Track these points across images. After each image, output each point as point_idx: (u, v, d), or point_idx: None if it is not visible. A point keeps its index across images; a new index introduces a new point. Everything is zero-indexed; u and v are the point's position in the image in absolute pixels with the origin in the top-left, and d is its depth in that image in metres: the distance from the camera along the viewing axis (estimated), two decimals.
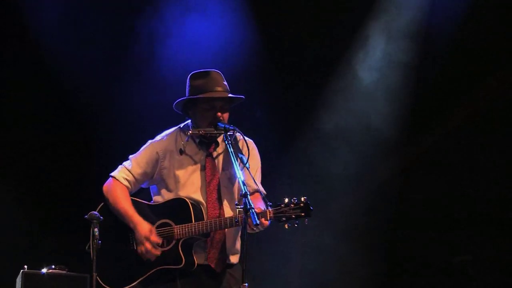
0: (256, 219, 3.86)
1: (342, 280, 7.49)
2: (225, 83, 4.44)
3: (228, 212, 4.38)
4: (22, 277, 6.05)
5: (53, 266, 6.20)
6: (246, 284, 3.83)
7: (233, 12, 7.18)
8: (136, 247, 4.35)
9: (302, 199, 4.12)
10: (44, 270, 6.14)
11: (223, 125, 4.33)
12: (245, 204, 3.90)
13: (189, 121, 4.52)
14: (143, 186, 4.58)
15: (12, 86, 7.23)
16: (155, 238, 4.31)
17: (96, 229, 4.18)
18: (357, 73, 7.40)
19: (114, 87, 7.21)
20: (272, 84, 7.40)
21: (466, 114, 7.48)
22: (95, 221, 4.23)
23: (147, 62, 7.26)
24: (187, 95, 4.46)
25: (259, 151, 4.57)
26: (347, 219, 7.47)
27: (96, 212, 4.29)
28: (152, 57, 7.25)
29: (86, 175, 7.24)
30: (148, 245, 4.30)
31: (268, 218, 4.10)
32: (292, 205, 4.11)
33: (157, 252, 4.30)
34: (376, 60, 7.36)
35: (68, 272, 6.24)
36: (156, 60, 7.21)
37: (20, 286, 6.02)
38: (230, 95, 4.40)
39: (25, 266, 6.11)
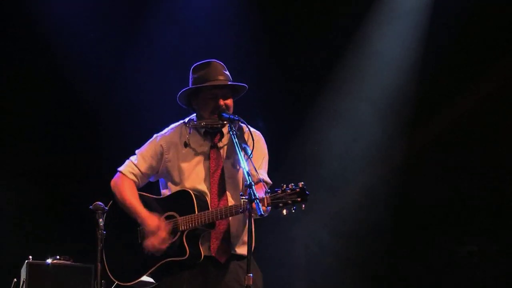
0: (261, 209, 3.84)
1: (346, 275, 7.52)
2: (227, 72, 4.44)
3: (231, 202, 4.36)
4: (27, 267, 6.06)
5: (57, 257, 6.22)
6: (251, 274, 3.81)
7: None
8: (143, 241, 4.34)
9: (300, 184, 4.08)
10: (49, 261, 6.16)
11: (228, 116, 4.32)
12: (249, 194, 3.88)
13: (194, 115, 4.51)
14: (151, 180, 4.58)
15: (18, 75, 7.24)
16: (163, 233, 4.29)
17: (101, 220, 4.18)
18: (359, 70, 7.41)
19: (122, 80, 7.21)
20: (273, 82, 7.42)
21: (472, 105, 7.48)
22: (99, 211, 4.24)
23: (155, 55, 7.25)
24: (189, 86, 4.46)
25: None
26: (350, 215, 7.49)
27: (100, 203, 4.29)
28: (161, 48, 7.25)
29: (91, 166, 7.25)
30: (154, 240, 4.28)
31: (266, 204, 4.09)
32: (288, 191, 4.06)
33: (163, 247, 4.27)
34: (381, 52, 7.35)
35: (73, 263, 6.25)
36: (165, 53, 7.21)
37: (25, 276, 6.04)
38: (230, 83, 4.39)
39: (30, 257, 6.13)
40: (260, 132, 4.57)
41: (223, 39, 7.11)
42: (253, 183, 3.92)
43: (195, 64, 4.49)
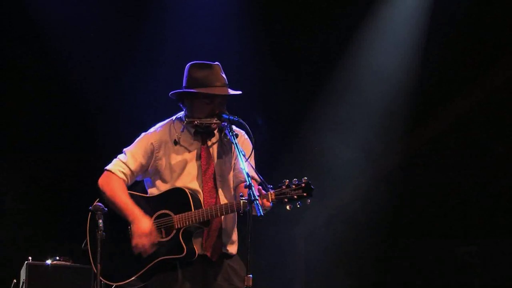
0: (261, 210, 3.84)
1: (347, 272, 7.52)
2: (224, 75, 4.42)
3: (223, 200, 4.36)
4: (26, 268, 6.05)
5: (57, 258, 6.21)
6: (251, 275, 3.81)
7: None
8: (131, 240, 4.31)
9: (303, 179, 4.09)
10: (48, 262, 6.15)
11: (228, 117, 4.31)
12: (249, 195, 3.89)
13: (182, 113, 4.49)
14: (137, 179, 4.52)
15: (18, 75, 7.24)
16: (154, 237, 4.27)
17: (100, 221, 4.17)
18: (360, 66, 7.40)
19: (123, 79, 7.21)
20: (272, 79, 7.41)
21: (469, 105, 7.48)
22: (99, 212, 4.23)
23: (155, 54, 7.25)
24: (184, 84, 4.43)
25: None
26: (349, 215, 7.50)
27: (100, 204, 4.28)
28: (161, 48, 7.25)
29: (91, 166, 7.24)
30: (146, 241, 4.25)
31: (270, 200, 4.09)
32: (293, 186, 4.08)
33: (152, 250, 4.26)
34: (381, 50, 7.35)
35: (73, 264, 6.24)
36: (165, 52, 7.21)
37: (24, 277, 6.03)
38: (230, 91, 4.37)
39: (30, 258, 6.12)
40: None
41: (224, 39, 7.11)
42: (252, 184, 3.93)
43: (193, 63, 4.45)
